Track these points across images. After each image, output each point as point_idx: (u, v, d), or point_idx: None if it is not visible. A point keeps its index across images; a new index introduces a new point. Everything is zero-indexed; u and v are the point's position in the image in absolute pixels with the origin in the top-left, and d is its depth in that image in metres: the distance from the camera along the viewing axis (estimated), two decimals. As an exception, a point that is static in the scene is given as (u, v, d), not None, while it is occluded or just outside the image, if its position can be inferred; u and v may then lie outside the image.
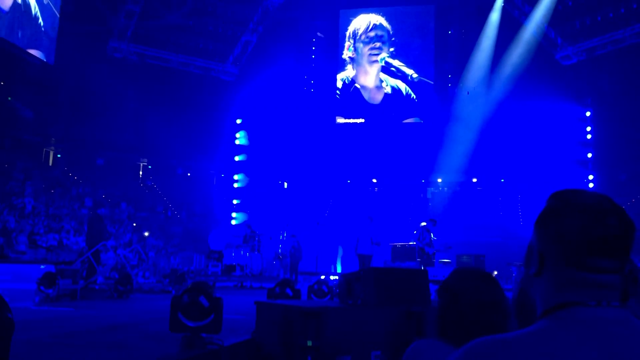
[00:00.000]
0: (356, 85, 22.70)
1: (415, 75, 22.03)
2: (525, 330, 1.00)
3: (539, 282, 1.07)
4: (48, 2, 19.88)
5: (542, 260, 1.06)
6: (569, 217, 1.03)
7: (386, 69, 22.42)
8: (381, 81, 22.53)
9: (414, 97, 22.10)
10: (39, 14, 19.38)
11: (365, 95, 22.84)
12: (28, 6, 18.99)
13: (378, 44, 22.49)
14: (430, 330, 1.83)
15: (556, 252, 1.04)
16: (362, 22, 22.86)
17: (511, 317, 1.61)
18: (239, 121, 23.32)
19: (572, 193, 1.07)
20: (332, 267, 18.46)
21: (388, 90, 22.42)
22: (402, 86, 22.33)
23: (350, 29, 22.97)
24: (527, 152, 19.15)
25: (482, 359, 0.95)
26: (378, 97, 22.53)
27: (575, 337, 0.95)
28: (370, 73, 22.69)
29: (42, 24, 19.55)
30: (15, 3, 18.44)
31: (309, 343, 4.11)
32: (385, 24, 22.63)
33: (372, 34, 22.66)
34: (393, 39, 22.55)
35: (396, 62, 22.37)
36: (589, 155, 20.01)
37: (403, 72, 22.23)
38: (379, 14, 22.72)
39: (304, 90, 23.38)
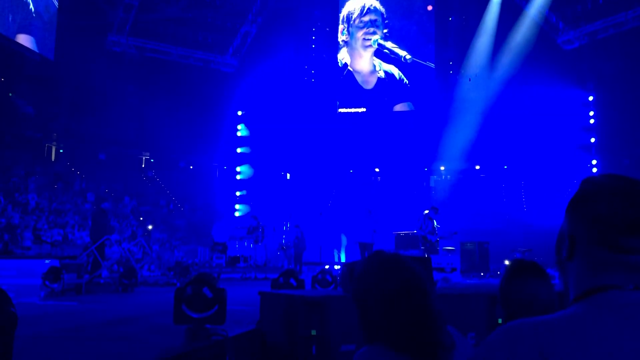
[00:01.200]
0: (349, 68, 22.58)
1: (408, 57, 21.85)
2: (561, 313, 0.98)
3: (571, 267, 1.05)
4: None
5: (573, 243, 1.05)
6: (601, 199, 1.02)
7: (380, 52, 22.30)
8: (374, 65, 22.41)
9: (407, 82, 22.00)
10: (32, 7, 19.21)
11: (359, 78, 22.71)
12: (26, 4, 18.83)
13: (372, 29, 22.29)
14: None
15: (588, 234, 1.02)
16: (356, 5, 22.59)
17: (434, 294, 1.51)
18: (240, 113, 23.27)
19: (605, 177, 1.05)
20: (336, 256, 18.50)
21: (381, 74, 22.31)
22: (395, 71, 22.21)
23: (344, 11, 22.71)
24: (530, 138, 19.06)
25: (520, 340, 0.94)
26: (372, 81, 22.42)
27: (614, 321, 0.93)
28: (364, 57, 22.54)
29: (32, 9, 19.30)
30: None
31: (313, 332, 4.12)
32: (379, 6, 22.37)
33: (366, 18, 22.45)
34: (387, 21, 22.34)
35: (389, 44, 22.19)
36: (592, 140, 19.90)
37: (397, 54, 22.06)
38: None
39: (304, 80, 23.29)
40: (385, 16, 22.32)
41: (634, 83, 18.77)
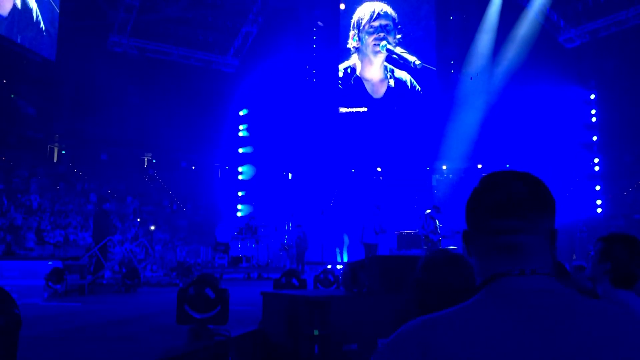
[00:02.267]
0: (357, 74, 22.29)
1: (418, 62, 21.57)
2: (458, 306, 1.01)
3: (473, 263, 1.09)
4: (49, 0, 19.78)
5: (465, 237, 1.11)
6: (475, 191, 1.10)
7: (390, 57, 21.98)
8: (386, 72, 22.10)
9: (419, 89, 21.75)
10: (40, 17, 19.23)
11: (368, 87, 22.40)
12: (29, 10, 18.80)
13: (382, 34, 22.01)
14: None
15: (470, 225, 1.09)
16: (366, 10, 22.40)
17: None
18: (241, 113, 23.28)
19: (491, 173, 1.11)
20: (339, 256, 18.51)
21: (392, 83, 21.98)
22: (407, 78, 21.93)
23: (355, 17, 22.51)
24: (532, 136, 19.04)
25: (412, 339, 0.97)
26: (381, 91, 22.11)
27: (500, 310, 0.96)
28: (375, 64, 22.23)
29: (43, 27, 19.41)
30: (14, 7, 18.21)
31: (316, 332, 4.13)
32: (390, 11, 22.12)
33: (376, 23, 22.17)
34: (399, 26, 22.01)
35: (398, 50, 21.90)
36: (594, 138, 19.88)
37: (406, 59, 21.79)
38: (382, 1, 22.19)
39: (305, 80, 23.28)
40: (397, 21, 22.07)
41: (635, 81, 18.75)
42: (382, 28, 22.06)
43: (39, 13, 19.14)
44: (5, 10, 17.86)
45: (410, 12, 22.24)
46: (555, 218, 1.07)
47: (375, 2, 22.41)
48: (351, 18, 22.57)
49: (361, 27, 22.37)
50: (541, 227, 1.03)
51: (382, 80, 22.08)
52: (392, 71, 21.99)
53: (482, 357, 0.91)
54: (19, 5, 18.40)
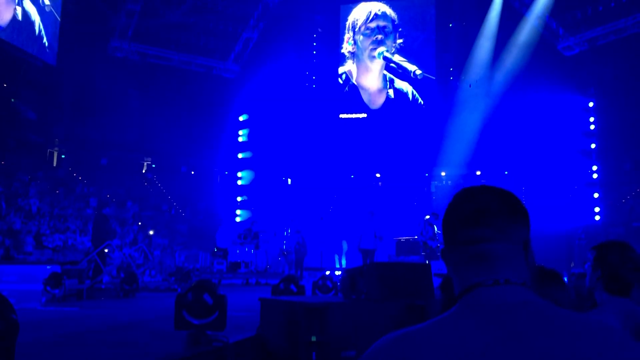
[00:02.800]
0: (353, 82, 21.28)
1: (419, 72, 20.75)
2: (433, 320, 1.01)
3: (452, 277, 1.10)
4: (50, 9, 19.77)
5: (442, 254, 1.12)
6: (449, 204, 1.10)
7: (388, 65, 20.97)
8: (385, 82, 21.02)
9: (422, 102, 20.83)
10: (43, 32, 19.14)
11: (365, 97, 21.22)
12: (31, 23, 18.65)
13: (380, 37, 20.95)
14: None
15: (445, 239, 1.09)
16: (362, 11, 21.46)
17: None
18: (241, 118, 23.33)
19: (463, 188, 1.12)
20: (337, 262, 18.50)
21: (391, 93, 20.82)
22: (409, 89, 20.83)
23: (350, 19, 21.57)
24: (531, 143, 19.08)
25: (388, 353, 0.97)
26: (379, 101, 21.11)
27: (473, 324, 0.96)
28: (373, 70, 21.02)
29: (46, 43, 19.35)
30: (14, 18, 18.01)
31: (314, 338, 4.13)
32: (389, 12, 21.04)
33: (373, 24, 20.95)
34: (400, 29, 20.86)
35: (397, 58, 20.93)
36: (593, 145, 19.92)
37: (405, 69, 20.96)
38: (381, 1, 21.39)
39: (306, 85, 23.33)
40: (397, 23, 20.94)
41: (634, 89, 18.81)
42: (380, 30, 21.13)
43: (41, 27, 19.09)
44: (4, 20, 17.74)
45: (410, 17, 21.70)
46: (529, 229, 1.07)
47: (373, 2, 21.51)
48: (346, 20, 21.77)
49: (357, 29, 21.43)
50: (514, 237, 1.03)
51: (380, 90, 21.25)
52: (392, 81, 21.14)
53: None
54: (19, 16, 18.27)
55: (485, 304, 0.98)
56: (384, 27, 21.15)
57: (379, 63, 21.17)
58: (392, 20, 21.24)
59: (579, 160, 19.50)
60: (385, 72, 21.26)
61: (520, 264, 1.03)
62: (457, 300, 1.03)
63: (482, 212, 1.03)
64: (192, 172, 24.67)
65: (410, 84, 21.10)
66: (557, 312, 0.97)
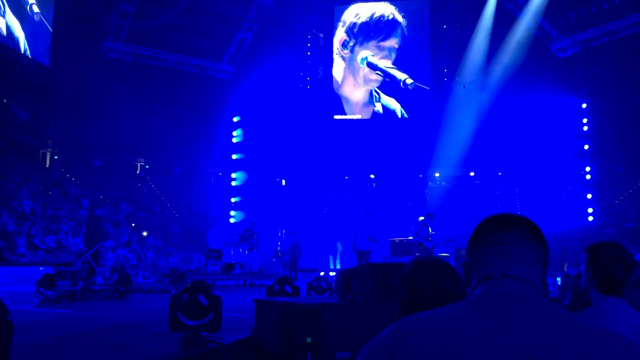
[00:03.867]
0: (338, 93, 21.18)
1: (410, 81, 20.59)
2: (448, 306, 1.12)
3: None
4: (40, 18, 19.56)
5: (465, 267, 1.26)
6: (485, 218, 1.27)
7: (384, 84, 20.61)
8: (371, 97, 20.81)
9: (407, 116, 20.80)
10: (28, 51, 19.06)
11: (347, 109, 21.02)
12: (15, 42, 18.52)
13: (374, 42, 20.85)
14: None
15: (472, 240, 1.24)
16: (355, 12, 21.37)
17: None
18: (235, 119, 23.30)
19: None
20: (332, 263, 18.50)
21: (379, 108, 20.53)
22: (397, 107, 20.71)
23: (342, 19, 21.53)
24: (524, 145, 19.17)
25: (382, 345, 1.09)
26: (365, 115, 21.01)
27: (480, 312, 1.07)
28: (359, 78, 20.63)
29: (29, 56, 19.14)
30: None
31: (308, 340, 4.13)
32: (383, 12, 20.86)
33: (374, 28, 20.65)
34: (394, 30, 20.65)
35: (384, 63, 20.57)
36: (586, 147, 20.03)
37: (393, 77, 20.63)
38: (380, 1, 21.17)
39: (300, 87, 23.33)
40: (390, 23, 20.69)
41: (627, 90, 18.93)
42: (372, 30, 21.09)
43: (27, 45, 18.99)
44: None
45: (403, 18, 21.60)
46: (548, 256, 1.20)
47: (367, 3, 21.34)
48: (339, 20, 21.69)
49: (348, 30, 21.41)
50: (535, 251, 1.17)
51: (365, 105, 21.18)
52: (379, 96, 21.01)
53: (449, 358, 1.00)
54: (3, 31, 18.00)
55: (490, 294, 1.10)
56: (377, 27, 21.21)
57: (364, 71, 21.05)
58: (386, 22, 21.26)
59: (572, 161, 19.61)
60: (373, 84, 21.02)
61: (536, 275, 1.15)
62: (471, 292, 1.16)
63: (512, 221, 1.20)
64: (186, 173, 24.62)
65: (400, 95, 20.94)
66: (555, 308, 1.07)
